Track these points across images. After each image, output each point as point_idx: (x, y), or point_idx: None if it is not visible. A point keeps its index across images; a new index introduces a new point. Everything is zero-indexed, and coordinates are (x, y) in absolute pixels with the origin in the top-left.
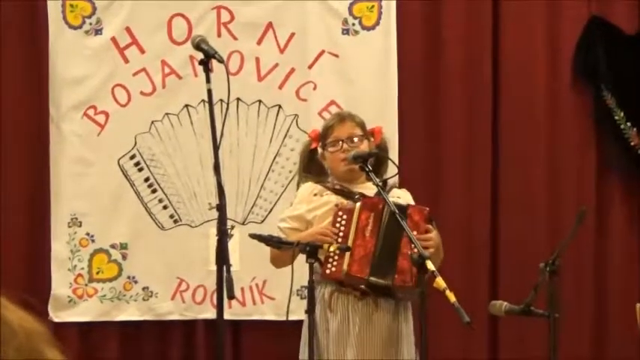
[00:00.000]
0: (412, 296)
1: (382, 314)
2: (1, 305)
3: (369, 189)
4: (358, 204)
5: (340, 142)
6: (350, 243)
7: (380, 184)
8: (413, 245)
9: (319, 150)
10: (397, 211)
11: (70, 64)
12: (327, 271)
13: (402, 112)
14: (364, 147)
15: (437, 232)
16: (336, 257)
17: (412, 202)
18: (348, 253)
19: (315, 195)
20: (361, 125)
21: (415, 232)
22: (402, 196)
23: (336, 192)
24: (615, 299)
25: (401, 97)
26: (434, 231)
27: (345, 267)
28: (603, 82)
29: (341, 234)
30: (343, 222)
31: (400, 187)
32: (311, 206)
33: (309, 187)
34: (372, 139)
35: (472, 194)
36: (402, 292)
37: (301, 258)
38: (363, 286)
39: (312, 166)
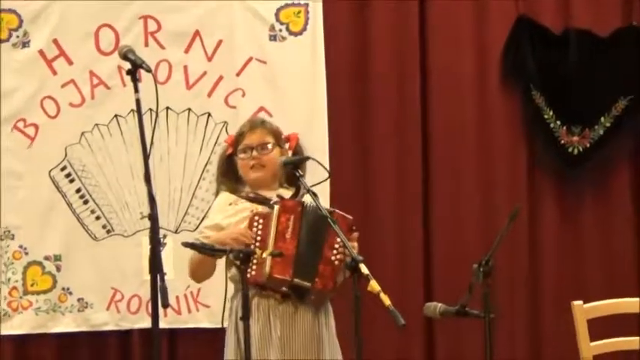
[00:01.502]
0: (324, 300)
1: (303, 317)
2: None
3: (284, 192)
4: (276, 207)
5: (250, 150)
6: (270, 247)
7: (309, 188)
8: (335, 251)
9: (234, 156)
10: (329, 216)
11: None
12: (248, 276)
13: (331, 117)
14: (275, 154)
15: (356, 244)
16: (254, 262)
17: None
18: (266, 255)
19: (230, 204)
20: (273, 132)
21: (337, 239)
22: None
23: (251, 200)
24: (550, 297)
25: (330, 102)
26: (355, 241)
27: (267, 269)
28: (532, 82)
29: (258, 238)
30: (260, 226)
31: (331, 191)
32: (225, 214)
33: (224, 196)
34: (286, 146)
35: (404, 197)
36: (316, 295)
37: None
38: (284, 289)
39: (229, 172)
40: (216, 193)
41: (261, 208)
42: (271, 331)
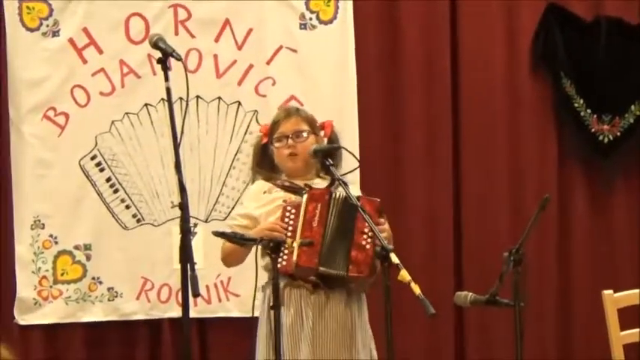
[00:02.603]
0: (365, 287)
1: (335, 307)
2: None
3: (319, 184)
4: (305, 196)
5: (286, 138)
6: (298, 235)
7: (340, 178)
8: (366, 236)
9: (269, 145)
10: (358, 205)
11: (28, 66)
12: (279, 266)
13: (361, 105)
14: (311, 142)
15: (387, 225)
16: (286, 251)
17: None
18: (296, 245)
19: (265, 193)
20: (308, 120)
21: (365, 224)
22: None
23: (285, 188)
24: (580, 286)
25: (360, 91)
26: (386, 223)
27: (294, 259)
28: (562, 70)
29: (290, 228)
30: (292, 216)
31: (361, 179)
32: (259, 203)
33: (259, 185)
34: (321, 134)
35: (434, 186)
36: (355, 283)
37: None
38: (314, 278)
39: (264, 161)
40: (252, 182)
41: (294, 198)
42: (303, 320)
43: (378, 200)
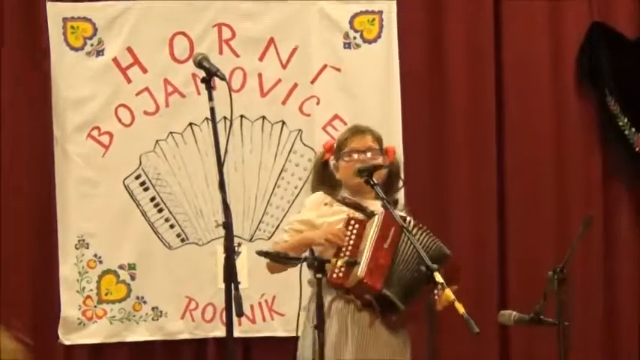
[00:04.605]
0: (407, 325)
1: (379, 329)
2: None
3: (379, 207)
4: (379, 215)
5: (356, 154)
6: (366, 250)
7: (384, 197)
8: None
9: (332, 162)
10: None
11: (72, 85)
12: (335, 276)
13: (405, 124)
14: (380, 161)
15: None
16: (342, 268)
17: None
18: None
19: (326, 204)
20: (379, 140)
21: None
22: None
23: (347, 204)
24: (626, 306)
25: (404, 110)
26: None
27: (360, 274)
28: (607, 88)
29: (351, 242)
30: (355, 231)
31: (405, 200)
32: (321, 212)
33: (320, 196)
34: (386, 156)
35: (479, 203)
36: (400, 320)
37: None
38: (369, 297)
39: (324, 178)
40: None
41: (357, 214)
42: (348, 336)
43: (453, 258)
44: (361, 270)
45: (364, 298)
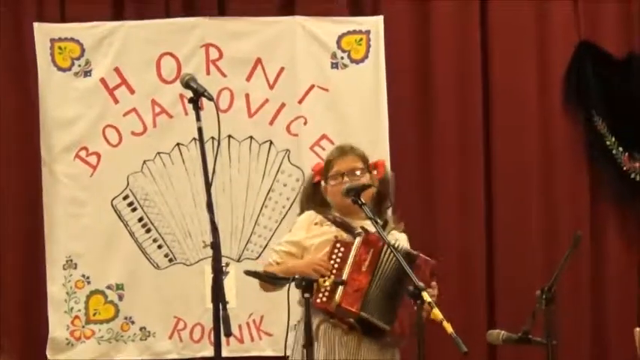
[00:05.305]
0: (400, 343)
1: (367, 351)
2: None
3: (370, 225)
4: (359, 238)
5: (341, 176)
6: (345, 276)
7: (373, 217)
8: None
9: (322, 183)
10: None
11: (60, 106)
12: (318, 301)
13: (393, 144)
14: (365, 180)
15: (437, 290)
16: (328, 288)
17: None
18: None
19: (316, 224)
20: (363, 158)
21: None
22: (400, 240)
23: (337, 224)
24: (613, 324)
25: (392, 130)
26: (435, 288)
27: (337, 299)
28: (594, 108)
29: (336, 266)
30: (340, 254)
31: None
32: (310, 234)
33: (310, 215)
34: (374, 173)
35: (467, 223)
36: (392, 338)
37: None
38: (352, 320)
39: (315, 200)
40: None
41: (346, 236)
42: (335, 359)
43: (434, 262)
44: (338, 295)
45: (347, 321)
